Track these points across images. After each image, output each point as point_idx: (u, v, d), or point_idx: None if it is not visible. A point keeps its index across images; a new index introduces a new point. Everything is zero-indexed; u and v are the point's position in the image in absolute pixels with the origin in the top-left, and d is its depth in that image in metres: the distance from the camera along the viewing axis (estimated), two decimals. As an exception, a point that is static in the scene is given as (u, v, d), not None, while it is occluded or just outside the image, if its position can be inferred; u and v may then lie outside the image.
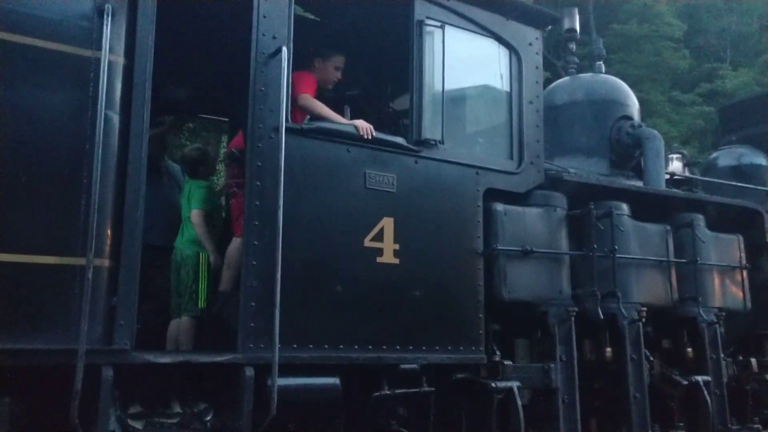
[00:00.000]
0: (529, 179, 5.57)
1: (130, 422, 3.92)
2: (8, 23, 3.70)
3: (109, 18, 3.87)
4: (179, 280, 5.02)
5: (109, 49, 3.85)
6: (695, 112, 27.37)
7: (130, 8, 4.06)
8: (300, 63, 4.95)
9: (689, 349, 6.41)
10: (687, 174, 8.19)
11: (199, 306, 4.92)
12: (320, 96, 5.06)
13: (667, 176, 7.37)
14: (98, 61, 3.82)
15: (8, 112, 3.66)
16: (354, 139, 4.71)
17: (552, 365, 5.38)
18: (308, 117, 4.94)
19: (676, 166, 8.22)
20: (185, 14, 5.10)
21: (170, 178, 6.09)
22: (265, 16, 4.51)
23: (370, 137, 4.75)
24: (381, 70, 6.28)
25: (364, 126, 4.76)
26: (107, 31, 3.84)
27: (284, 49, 4.42)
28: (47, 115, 3.76)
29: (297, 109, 4.82)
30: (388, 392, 4.67)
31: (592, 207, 5.77)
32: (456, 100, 5.41)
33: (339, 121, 4.88)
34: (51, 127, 3.76)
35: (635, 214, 6.18)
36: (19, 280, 3.59)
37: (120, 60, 3.98)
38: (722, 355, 6.49)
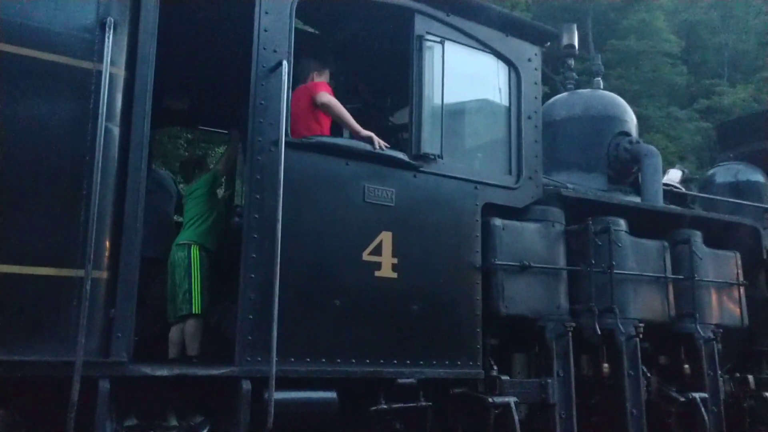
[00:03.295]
0: (527, 194, 5.58)
1: (127, 435, 3.91)
2: (11, 35, 3.71)
3: (111, 31, 3.88)
4: (174, 283, 5.02)
5: (111, 61, 3.86)
6: (693, 128, 27.51)
7: (131, 21, 4.08)
8: (299, 78, 4.97)
9: (686, 366, 6.41)
10: (684, 190, 8.21)
11: (194, 310, 4.89)
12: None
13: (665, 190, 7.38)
14: (99, 73, 3.84)
15: (9, 123, 3.67)
16: (353, 153, 4.73)
17: (549, 380, 5.37)
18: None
19: (673, 176, 8.24)
20: (186, 27, 5.13)
21: (160, 187, 5.95)
22: (266, 30, 4.52)
23: (383, 151, 4.80)
24: (381, 83, 6.30)
25: (378, 140, 4.81)
26: (109, 43, 3.86)
27: (284, 62, 4.44)
28: (48, 126, 3.76)
29: (312, 114, 4.86)
30: (385, 406, 4.65)
31: (590, 222, 5.78)
32: (455, 115, 5.43)
33: (355, 127, 4.90)
34: (51, 138, 3.77)
35: (633, 230, 6.19)
36: (16, 291, 3.58)
37: (121, 72, 4.00)
38: (719, 372, 6.49)
